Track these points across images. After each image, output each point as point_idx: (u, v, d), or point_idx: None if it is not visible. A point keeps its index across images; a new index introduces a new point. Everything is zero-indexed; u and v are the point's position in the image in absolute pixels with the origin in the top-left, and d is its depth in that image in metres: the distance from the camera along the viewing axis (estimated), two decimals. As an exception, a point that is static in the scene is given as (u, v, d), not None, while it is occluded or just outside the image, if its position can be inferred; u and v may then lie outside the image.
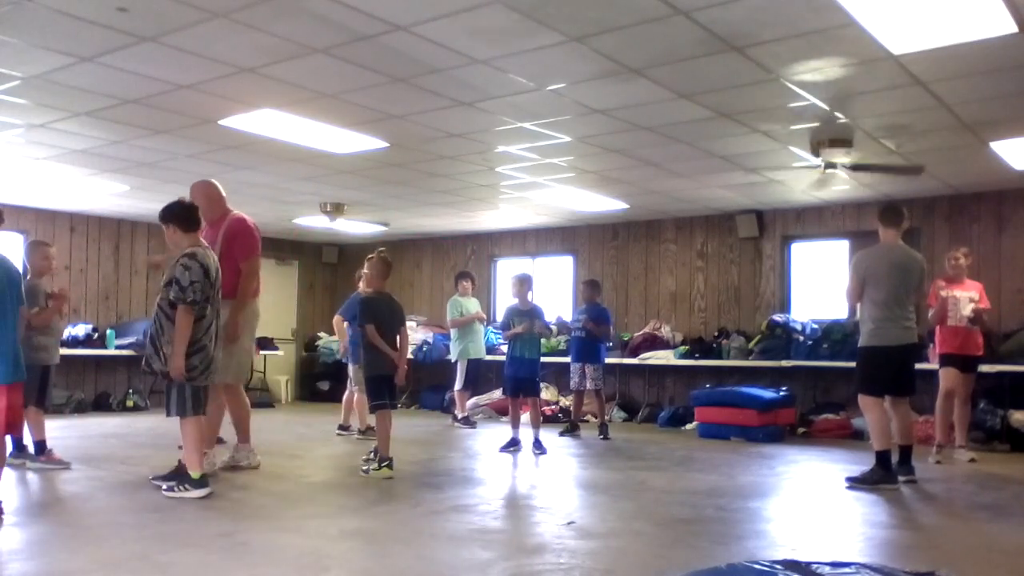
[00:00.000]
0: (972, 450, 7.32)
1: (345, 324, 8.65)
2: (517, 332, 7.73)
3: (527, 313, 7.86)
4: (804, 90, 5.72)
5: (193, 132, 7.00)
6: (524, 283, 8.04)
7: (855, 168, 7.33)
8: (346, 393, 8.80)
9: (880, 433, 5.85)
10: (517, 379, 7.81)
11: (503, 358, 11.28)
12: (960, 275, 7.28)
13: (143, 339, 10.93)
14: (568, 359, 9.32)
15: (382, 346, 6.03)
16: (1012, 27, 4.51)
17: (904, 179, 8.22)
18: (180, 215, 5.28)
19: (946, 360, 7.12)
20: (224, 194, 6.23)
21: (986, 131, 6.68)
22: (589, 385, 8.89)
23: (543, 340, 8.24)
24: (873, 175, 8.02)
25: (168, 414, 5.20)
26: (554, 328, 10.70)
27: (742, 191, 9.25)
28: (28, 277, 6.31)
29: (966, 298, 7.13)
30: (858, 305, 6.21)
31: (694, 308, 10.97)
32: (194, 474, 5.10)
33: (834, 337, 9.31)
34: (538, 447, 7.54)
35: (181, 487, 5.07)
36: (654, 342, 10.63)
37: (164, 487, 5.15)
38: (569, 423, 9.20)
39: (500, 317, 11.70)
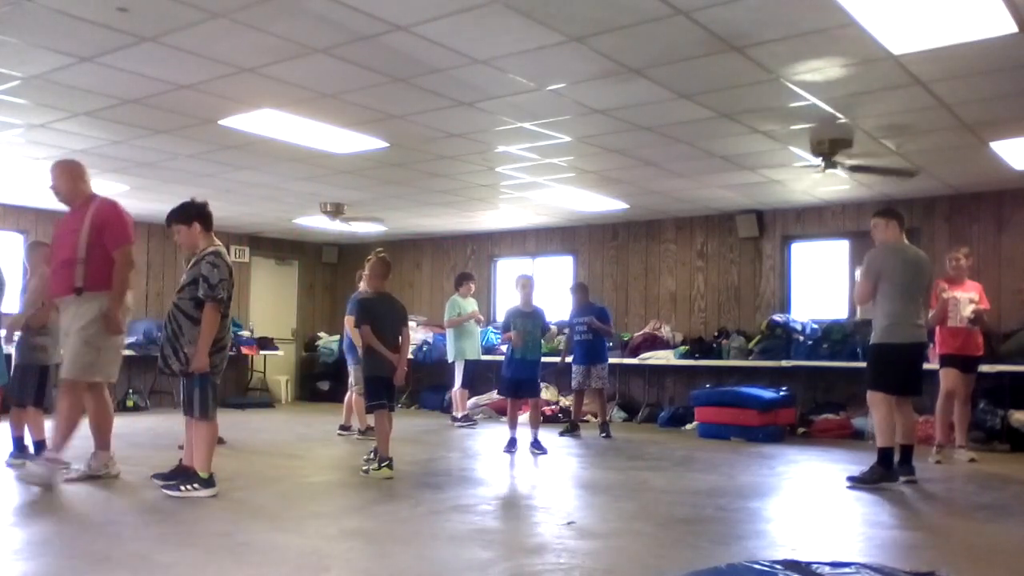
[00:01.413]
0: (972, 450, 7.32)
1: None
2: (513, 339, 7.69)
3: (529, 315, 7.86)
4: (804, 90, 5.72)
5: (193, 132, 7.00)
6: (529, 284, 8.04)
7: (854, 169, 7.34)
8: (347, 394, 8.81)
9: (885, 429, 5.85)
10: (516, 380, 7.81)
11: (503, 358, 11.29)
12: (961, 276, 7.28)
13: (143, 339, 10.95)
14: (569, 359, 9.33)
15: (378, 347, 6.04)
16: (1012, 27, 4.51)
17: (904, 179, 8.23)
18: (204, 214, 5.30)
19: (946, 360, 7.12)
20: (88, 177, 5.70)
21: (986, 131, 6.68)
22: (595, 384, 8.92)
23: (543, 340, 8.24)
24: (873, 175, 8.02)
25: (191, 415, 5.18)
26: (554, 328, 10.70)
27: (742, 191, 9.25)
28: (27, 278, 6.33)
29: (966, 299, 7.13)
30: (865, 305, 6.21)
31: (694, 308, 10.97)
32: (203, 474, 5.12)
33: (834, 337, 9.31)
34: (537, 447, 7.54)
35: (190, 486, 5.07)
36: (654, 342, 10.63)
37: (163, 485, 5.15)
38: (569, 423, 9.21)
39: (501, 317, 11.72)
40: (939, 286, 7.12)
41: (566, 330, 9.65)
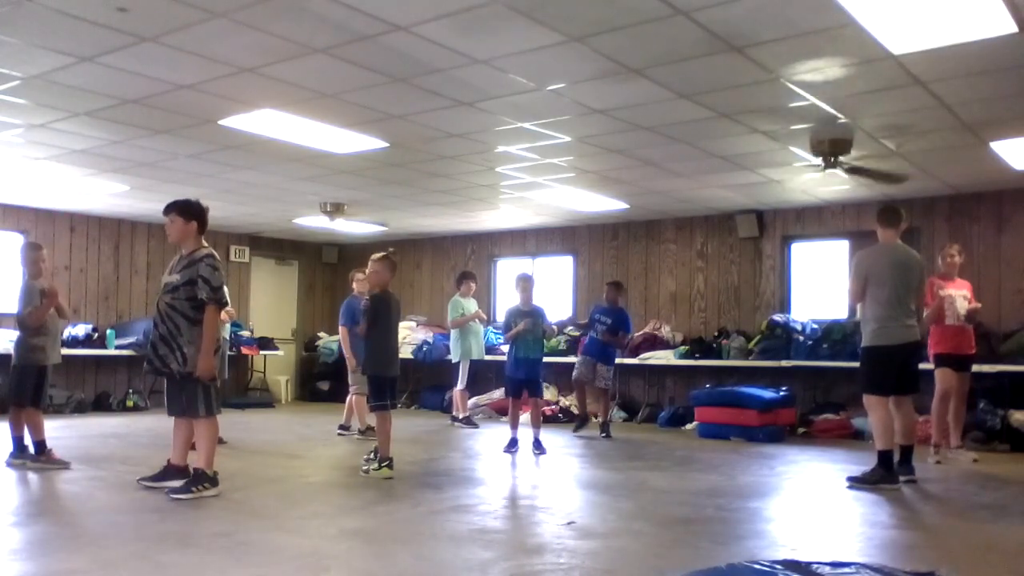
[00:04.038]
0: (971, 450, 7.32)
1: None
2: (518, 332, 7.73)
3: (530, 314, 7.86)
4: (804, 90, 5.72)
5: (193, 132, 7.00)
6: (528, 283, 8.05)
7: (850, 171, 7.35)
8: (348, 395, 8.85)
9: (883, 433, 5.84)
10: (520, 380, 7.82)
11: (503, 358, 11.24)
12: (953, 273, 7.26)
13: (143, 339, 10.95)
14: (568, 359, 9.32)
15: (388, 344, 6.16)
16: (1012, 27, 4.51)
17: (894, 184, 8.22)
18: (201, 214, 5.35)
19: (941, 360, 7.07)
20: None
21: (986, 131, 6.68)
22: (600, 383, 8.92)
23: (544, 340, 8.26)
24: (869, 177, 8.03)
25: (194, 415, 5.21)
26: (555, 328, 10.70)
27: (742, 191, 9.25)
28: (26, 278, 6.33)
29: (960, 296, 7.12)
30: (859, 305, 6.21)
31: (694, 308, 10.97)
32: (209, 472, 5.16)
33: (834, 337, 9.30)
34: (538, 447, 7.54)
35: (201, 486, 5.08)
36: (654, 342, 10.63)
37: (171, 490, 5.11)
38: (579, 419, 9.19)
39: (501, 317, 11.69)
40: (935, 284, 7.10)
41: (568, 328, 9.65)
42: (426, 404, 12.16)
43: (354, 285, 8.64)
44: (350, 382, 8.55)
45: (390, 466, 6.00)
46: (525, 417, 8.02)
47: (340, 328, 8.62)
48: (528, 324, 7.73)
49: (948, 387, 7.04)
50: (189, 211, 5.31)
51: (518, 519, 4.93)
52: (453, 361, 9.98)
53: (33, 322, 6.14)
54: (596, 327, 9.01)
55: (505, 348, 8.56)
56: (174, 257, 5.45)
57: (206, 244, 5.38)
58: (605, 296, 9.33)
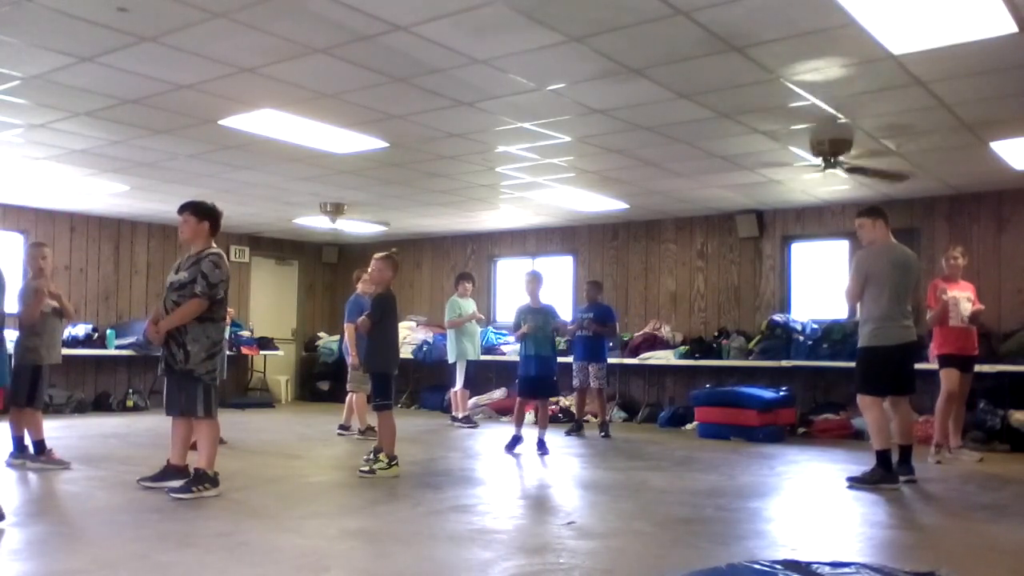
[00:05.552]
0: (972, 450, 7.31)
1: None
2: (524, 332, 7.72)
3: (539, 312, 7.86)
4: (804, 90, 5.72)
5: (193, 132, 7.00)
6: (536, 281, 8.05)
7: (851, 171, 7.35)
8: (348, 395, 8.84)
9: (880, 432, 5.85)
10: (533, 379, 7.76)
11: (503, 358, 11.24)
12: (956, 274, 7.27)
13: (143, 339, 10.94)
14: (570, 359, 9.35)
15: (394, 342, 6.31)
16: (1012, 27, 4.51)
17: (896, 182, 8.21)
18: (214, 215, 5.41)
19: (947, 361, 7.07)
20: None
21: (986, 131, 6.68)
22: (593, 384, 8.94)
23: (556, 337, 8.27)
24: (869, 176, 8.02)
25: (194, 415, 5.23)
26: (572, 327, 10.70)
27: (742, 191, 9.25)
28: (26, 278, 6.34)
29: (964, 297, 7.13)
30: (858, 305, 6.21)
31: (694, 308, 10.96)
32: (210, 472, 5.17)
33: (834, 337, 9.30)
34: (541, 447, 7.53)
35: (202, 487, 5.09)
36: (654, 342, 10.63)
37: (171, 490, 5.12)
38: (574, 423, 9.21)
39: (501, 317, 11.69)
40: (939, 287, 7.10)
41: (571, 326, 9.68)
42: (426, 404, 12.16)
43: (359, 285, 8.65)
44: (349, 380, 8.55)
45: (397, 464, 6.04)
46: (527, 416, 8.02)
47: (345, 326, 8.61)
48: (530, 326, 7.72)
49: (954, 388, 7.03)
50: (202, 211, 5.37)
51: (518, 519, 4.93)
52: (450, 362, 9.99)
53: (26, 319, 6.14)
54: (581, 328, 9.08)
55: (508, 348, 8.56)
56: (181, 257, 5.47)
57: (215, 245, 5.41)
58: (586, 295, 9.48)
